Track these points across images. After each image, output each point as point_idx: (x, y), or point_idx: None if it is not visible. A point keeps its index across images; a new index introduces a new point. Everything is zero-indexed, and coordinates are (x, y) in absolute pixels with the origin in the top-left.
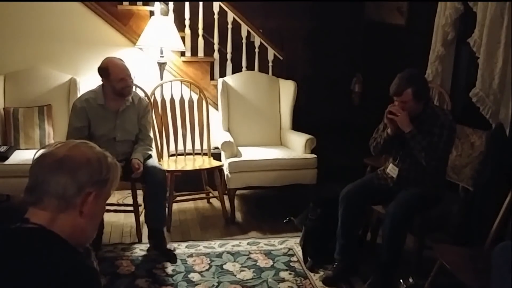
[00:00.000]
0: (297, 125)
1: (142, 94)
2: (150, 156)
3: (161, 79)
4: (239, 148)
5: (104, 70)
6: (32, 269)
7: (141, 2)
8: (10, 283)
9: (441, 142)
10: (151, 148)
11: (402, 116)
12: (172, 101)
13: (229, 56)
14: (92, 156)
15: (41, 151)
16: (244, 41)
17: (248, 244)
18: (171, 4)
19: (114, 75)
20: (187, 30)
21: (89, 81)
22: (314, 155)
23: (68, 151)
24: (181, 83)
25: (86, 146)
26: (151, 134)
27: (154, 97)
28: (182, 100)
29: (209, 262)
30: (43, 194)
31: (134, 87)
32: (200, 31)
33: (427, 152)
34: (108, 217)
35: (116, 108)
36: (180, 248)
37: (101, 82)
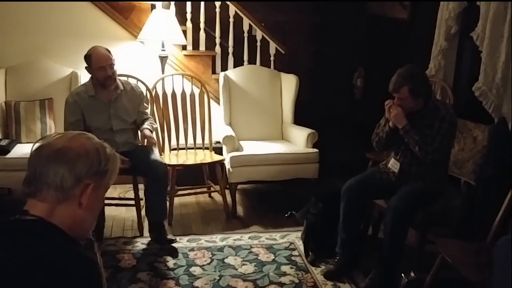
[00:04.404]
0: (299, 120)
1: (141, 85)
2: (152, 150)
3: (163, 73)
4: (241, 142)
5: (88, 57)
6: (31, 261)
7: None
8: (9, 276)
9: (438, 134)
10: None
11: (396, 112)
12: (173, 95)
13: (230, 50)
14: (91, 147)
15: (40, 142)
16: (245, 35)
17: (249, 238)
18: None
19: (94, 63)
20: (189, 24)
21: (90, 74)
22: (316, 150)
23: (67, 142)
24: (183, 77)
25: (84, 137)
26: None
27: (156, 91)
28: (183, 94)
29: (211, 256)
30: (41, 185)
31: (136, 81)
32: (202, 25)
33: (421, 146)
34: (109, 211)
35: (108, 98)
36: (182, 242)
37: None
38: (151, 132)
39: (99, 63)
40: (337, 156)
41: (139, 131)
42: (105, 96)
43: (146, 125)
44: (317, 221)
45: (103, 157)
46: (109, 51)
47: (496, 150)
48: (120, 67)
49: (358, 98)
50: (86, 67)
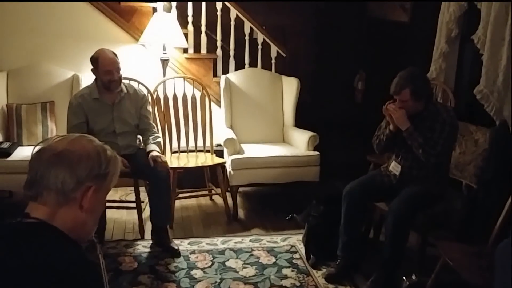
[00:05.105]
0: (300, 122)
1: (143, 88)
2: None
3: (164, 75)
4: (242, 145)
5: (95, 59)
6: (32, 264)
7: None
8: (10, 279)
9: (441, 138)
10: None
11: (399, 114)
12: (175, 98)
13: (232, 53)
14: (92, 150)
15: (40, 145)
16: (247, 37)
17: (250, 241)
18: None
19: (101, 66)
20: (190, 27)
21: (91, 77)
22: (317, 152)
23: (68, 145)
24: (184, 80)
25: (86, 140)
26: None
27: (157, 93)
28: (185, 97)
29: (212, 259)
30: (42, 188)
31: (137, 84)
32: (203, 28)
33: (424, 149)
34: (110, 214)
35: (111, 101)
36: (183, 245)
37: None
38: (159, 152)
39: (106, 66)
40: (338, 159)
41: (147, 154)
42: (108, 99)
43: (153, 144)
44: (318, 224)
45: (104, 160)
46: (115, 55)
47: (497, 153)
48: (121, 70)
49: (359, 101)
50: (92, 69)
